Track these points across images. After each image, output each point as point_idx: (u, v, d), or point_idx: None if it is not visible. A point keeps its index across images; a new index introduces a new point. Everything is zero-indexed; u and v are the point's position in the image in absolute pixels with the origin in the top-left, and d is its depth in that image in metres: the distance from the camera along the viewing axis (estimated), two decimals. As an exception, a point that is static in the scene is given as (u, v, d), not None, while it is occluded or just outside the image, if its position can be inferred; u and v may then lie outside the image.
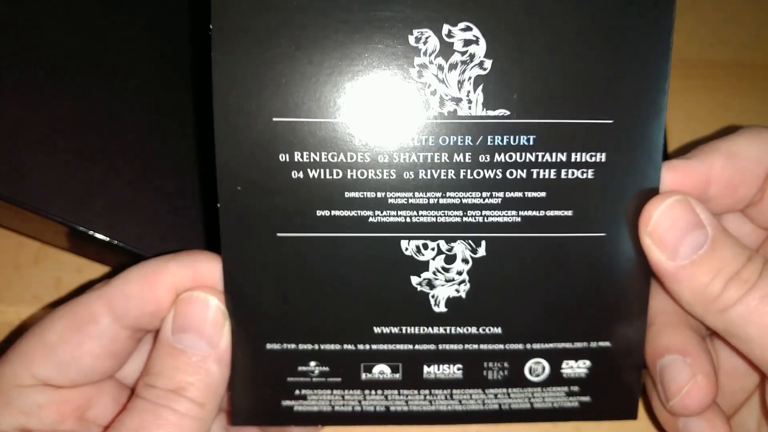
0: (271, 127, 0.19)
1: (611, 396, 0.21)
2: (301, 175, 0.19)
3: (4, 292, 0.27)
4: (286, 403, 0.21)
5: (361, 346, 0.20)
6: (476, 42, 0.19)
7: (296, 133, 0.19)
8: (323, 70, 0.18)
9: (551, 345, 0.20)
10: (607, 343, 0.20)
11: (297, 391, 0.21)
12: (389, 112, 0.19)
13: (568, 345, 0.20)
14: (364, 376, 0.20)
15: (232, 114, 0.18)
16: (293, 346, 0.20)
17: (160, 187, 0.24)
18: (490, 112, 0.19)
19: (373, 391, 0.21)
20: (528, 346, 0.20)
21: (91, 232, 0.22)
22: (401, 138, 0.19)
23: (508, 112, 0.19)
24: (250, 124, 0.19)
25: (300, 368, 0.20)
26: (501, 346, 0.20)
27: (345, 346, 0.20)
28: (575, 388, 0.21)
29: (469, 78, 0.19)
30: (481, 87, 0.19)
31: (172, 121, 0.25)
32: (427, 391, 0.21)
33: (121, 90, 0.24)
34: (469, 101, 0.19)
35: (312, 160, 0.19)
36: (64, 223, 0.22)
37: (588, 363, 0.21)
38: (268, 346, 0.20)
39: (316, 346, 0.20)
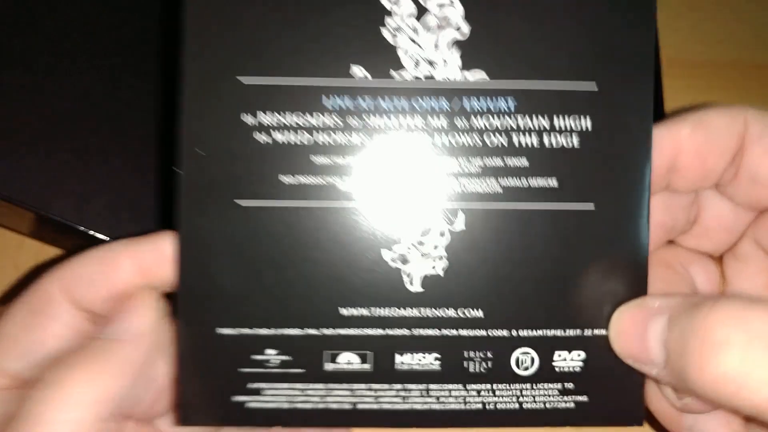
0: (237, 86, 0.18)
1: (611, 396, 0.18)
2: (264, 137, 0.18)
3: (4, 291, 0.26)
4: (237, 398, 0.18)
5: (325, 331, 0.18)
6: (452, 4, 0.18)
7: (262, 93, 0.18)
8: (293, 29, 0.18)
9: (540, 332, 0.18)
10: (602, 332, 0.18)
11: (250, 385, 0.18)
12: (361, 74, 0.18)
13: (559, 332, 0.18)
14: (328, 366, 0.18)
15: (200, 75, 0.18)
16: (248, 330, 0.18)
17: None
18: (467, 74, 0.18)
19: (338, 385, 0.18)
20: (514, 332, 0.18)
21: (91, 232, 0.22)
22: (373, 100, 0.18)
23: (485, 75, 0.18)
24: (218, 85, 0.18)
25: (255, 357, 0.18)
26: (483, 332, 0.18)
27: (307, 331, 0.18)
28: (570, 385, 0.18)
29: (445, 41, 0.18)
30: (457, 50, 0.18)
31: (173, 121, 0.25)
32: (399, 386, 0.18)
33: (121, 90, 0.24)
34: (445, 63, 0.18)
35: (277, 121, 0.18)
36: (64, 222, 0.22)
37: (583, 354, 0.18)
38: (220, 330, 0.18)
39: (275, 331, 0.18)
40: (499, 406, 0.18)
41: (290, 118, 0.18)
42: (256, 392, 0.18)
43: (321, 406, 0.18)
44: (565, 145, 0.18)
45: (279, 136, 0.18)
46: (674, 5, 0.30)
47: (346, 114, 0.18)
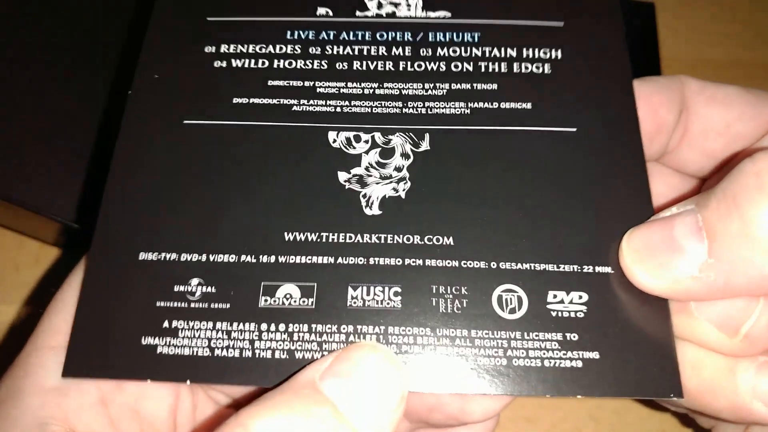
0: (204, 24, 0.18)
1: (631, 354, 0.14)
2: (223, 64, 0.17)
3: (4, 292, 0.25)
4: (149, 340, 0.14)
5: (264, 258, 0.15)
6: None
7: (226, 29, 0.18)
8: None
9: (525, 266, 0.15)
10: (606, 269, 0.15)
11: (167, 323, 0.14)
12: (324, 11, 0.18)
13: (550, 267, 0.15)
14: (263, 301, 0.15)
15: (168, 15, 0.18)
16: (174, 256, 0.15)
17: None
18: (431, 14, 0.18)
19: (273, 326, 0.14)
20: (493, 265, 0.15)
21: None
22: (335, 32, 0.18)
23: (449, 14, 0.18)
24: (185, 22, 0.18)
25: (177, 288, 0.15)
26: (454, 263, 0.15)
27: (243, 258, 0.15)
28: (573, 336, 0.14)
29: None
30: None
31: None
32: (351, 328, 0.14)
33: (123, 90, 0.25)
34: (408, 5, 0.18)
35: (238, 51, 0.18)
36: (65, 223, 0.22)
37: (585, 297, 0.14)
38: (142, 255, 0.15)
39: (204, 257, 0.15)
40: (480, 360, 0.14)
41: (252, 48, 0.18)
42: (173, 333, 0.14)
43: (248, 353, 0.14)
44: (535, 71, 0.17)
45: (238, 63, 0.17)
46: (674, 5, 0.31)
47: (308, 44, 0.18)
